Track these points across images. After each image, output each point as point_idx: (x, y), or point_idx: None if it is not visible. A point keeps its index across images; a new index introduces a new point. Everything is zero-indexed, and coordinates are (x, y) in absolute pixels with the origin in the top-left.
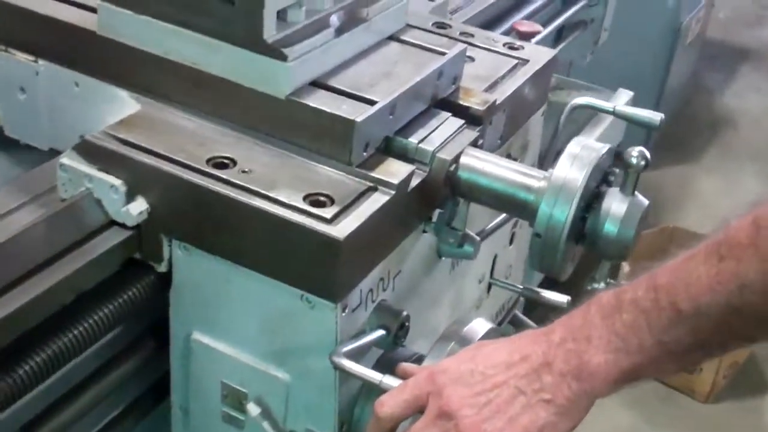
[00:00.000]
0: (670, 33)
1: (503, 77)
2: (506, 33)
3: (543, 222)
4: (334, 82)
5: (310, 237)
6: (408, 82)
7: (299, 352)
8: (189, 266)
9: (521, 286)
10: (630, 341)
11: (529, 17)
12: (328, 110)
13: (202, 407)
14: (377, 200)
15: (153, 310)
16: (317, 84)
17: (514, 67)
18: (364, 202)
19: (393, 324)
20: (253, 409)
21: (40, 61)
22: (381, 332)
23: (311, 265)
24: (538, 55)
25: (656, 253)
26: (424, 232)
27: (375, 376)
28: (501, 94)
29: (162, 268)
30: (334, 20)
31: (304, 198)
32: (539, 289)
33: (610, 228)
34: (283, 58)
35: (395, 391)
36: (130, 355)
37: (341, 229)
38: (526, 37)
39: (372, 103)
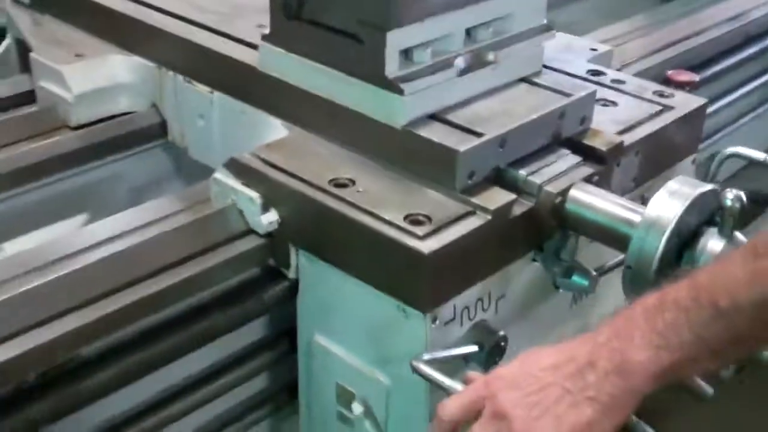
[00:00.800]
0: None
1: (641, 122)
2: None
3: (634, 254)
4: (451, 117)
5: (402, 251)
6: (523, 119)
7: (397, 359)
8: (311, 274)
9: None
10: (671, 338)
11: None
12: (436, 140)
13: (322, 406)
14: (472, 223)
15: (289, 316)
16: (435, 117)
17: (658, 113)
18: (459, 224)
19: (488, 342)
20: (356, 408)
21: (215, 92)
22: (473, 347)
23: (404, 276)
24: (687, 102)
25: None
26: (534, 260)
27: (447, 382)
28: (632, 137)
29: (291, 274)
30: (459, 62)
31: (405, 217)
32: None
33: (702, 264)
34: (400, 92)
35: (456, 396)
36: (266, 355)
37: (429, 245)
38: (681, 86)
39: (481, 135)
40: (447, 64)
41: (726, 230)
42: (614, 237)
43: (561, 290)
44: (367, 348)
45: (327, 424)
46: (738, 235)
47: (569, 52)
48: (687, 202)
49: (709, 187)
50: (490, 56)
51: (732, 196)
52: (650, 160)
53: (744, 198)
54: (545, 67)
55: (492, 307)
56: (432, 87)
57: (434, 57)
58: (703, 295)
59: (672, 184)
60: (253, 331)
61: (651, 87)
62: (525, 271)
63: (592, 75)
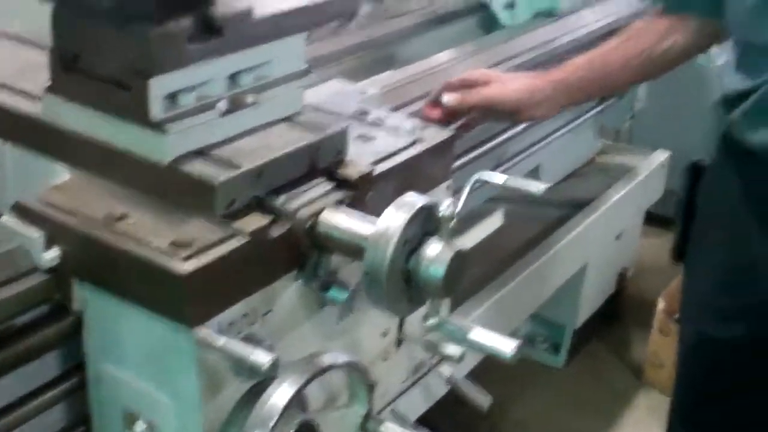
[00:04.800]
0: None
1: (394, 153)
2: None
3: (368, 262)
4: (214, 153)
5: (166, 274)
6: (279, 152)
7: (174, 376)
8: (94, 305)
9: (424, 340)
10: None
11: None
12: (197, 173)
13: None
14: (230, 245)
15: (78, 348)
16: (200, 153)
17: (410, 145)
18: (219, 247)
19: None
20: (139, 426)
21: (7, 144)
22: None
23: (171, 297)
24: (436, 135)
25: None
26: (297, 279)
27: (242, 349)
28: (384, 166)
29: (76, 306)
30: (222, 104)
31: (171, 243)
32: (436, 343)
33: (423, 268)
34: (164, 132)
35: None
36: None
37: (188, 266)
38: (431, 121)
39: (239, 167)
40: (210, 106)
41: (442, 236)
42: (356, 250)
43: (327, 306)
44: (148, 370)
45: None
46: (453, 240)
47: (341, 95)
48: (410, 214)
49: (428, 200)
50: (251, 99)
51: (445, 205)
52: (405, 187)
53: (456, 209)
54: (314, 109)
55: (259, 322)
56: (195, 127)
57: (198, 100)
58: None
59: (399, 200)
60: (45, 366)
61: (406, 124)
62: (290, 289)
63: (358, 114)
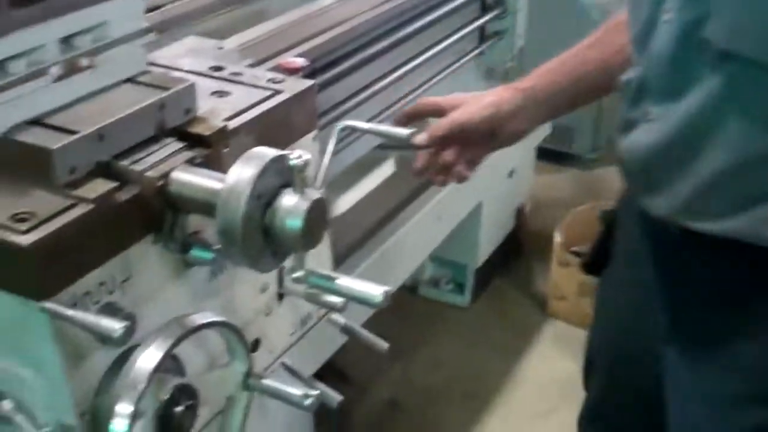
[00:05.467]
0: None
1: (251, 107)
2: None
3: (221, 219)
4: (50, 120)
5: (7, 248)
6: (120, 113)
7: (33, 351)
8: None
9: (305, 291)
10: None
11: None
12: (32, 142)
13: None
14: (74, 213)
15: None
16: (35, 123)
17: (267, 97)
18: (62, 216)
19: None
20: (6, 405)
21: None
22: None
23: (15, 272)
24: (296, 86)
25: (590, 232)
26: (155, 243)
27: (91, 320)
28: (240, 120)
29: None
30: (54, 70)
31: (11, 216)
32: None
33: (279, 221)
34: None
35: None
36: None
37: (30, 238)
38: (292, 72)
39: (76, 133)
40: (42, 72)
41: (297, 187)
42: (210, 208)
43: (194, 267)
44: (6, 346)
45: None
46: (309, 190)
47: (196, 52)
48: (260, 166)
49: (277, 152)
50: (86, 62)
51: (296, 155)
52: (265, 140)
53: (305, 156)
54: (165, 67)
55: (119, 290)
56: (27, 95)
57: (29, 66)
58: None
59: (246, 154)
60: None
61: (266, 76)
62: (150, 253)
63: (213, 71)
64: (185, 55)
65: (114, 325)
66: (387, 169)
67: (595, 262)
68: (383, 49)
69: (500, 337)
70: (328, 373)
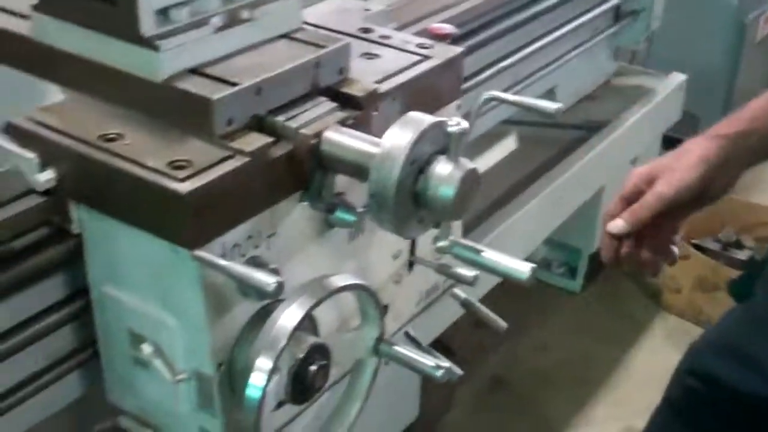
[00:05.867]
0: (735, 30)
1: (400, 71)
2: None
3: (374, 183)
4: (209, 71)
5: (164, 194)
6: (278, 68)
7: (178, 298)
8: (93, 226)
9: (436, 263)
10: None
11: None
12: (194, 91)
13: (119, 354)
14: (230, 165)
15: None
16: (195, 72)
17: (416, 62)
18: (219, 167)
19: None
20: (146, 348)
21: None
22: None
23: (171, 218)
24: (445, 52)
25: (714, 224)
26: (301, 200)
27: (245, 271)
28: (389, 84)
29: (75, 229)
30: (215, 20)
31: (168, 163)
32: (450, 265)
33: (432, 188)
34: (157, 49)
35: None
36: (64, 311)
37: (187, 186)
38: (441, 38)
39: (236, 85)
40: (203, 22)
41: (452, 155)
42: (362, 171)
43: (335, 227)
44: (151, 292)
45: (126, 371)
46: (463, 159)
47: (344, 12)
48: (417, 132)
49: (435, 119)
50: (246, 14)
51: (454, 123)
52: (411, 106)
53: (463, 123)
54: (314, 26)
55: (264, 244)
56: (189, 44)
57: (191, 16)
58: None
59: (404, 118)
60: (50, 288)
61: (414, 41)
62: (295, 210)
63: (362, 32)
64: (333, 15)
65: (268, 279)
66: (509, 144)
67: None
68: (521, 21)
69: (610, 326)
70: (433, 344)
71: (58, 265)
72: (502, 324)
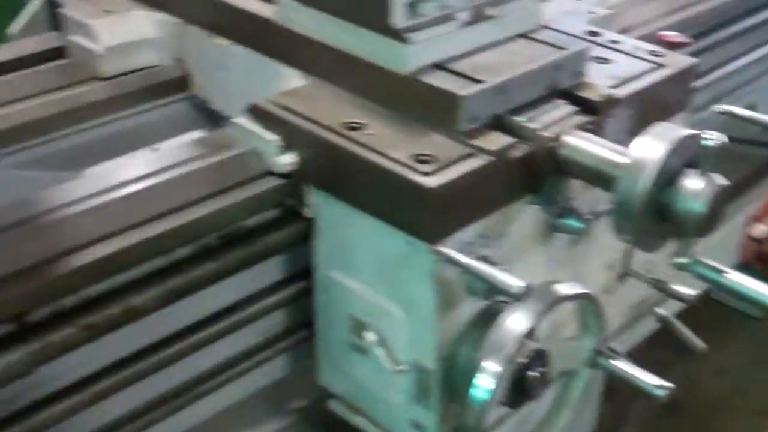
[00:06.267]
0: None
1: (634, 78)
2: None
3: (620, 193)
4: (454, 66)
5: (410, 187)
6: (521, 69)
7: (407, 290)
8: (327, 212)
9: (651, 277)
10: None
11: None
12: (440, 86)
13: (337, 338)
14: (474, 163)
15: (306, 254)
16: (439, 66)
17: (650, 70)
18: (462, 164)
19: None
20: (369, 337)
21: (234, 45)
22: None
23: (412, 211)
24: (678, 62)
25: None
26: (532, 203)
27: (490, 271)
28: (624, 91)
29: (308, 213)
30: (462, 16)
31: (413, 156)
32: (666, 281)
33: (681, 202)
34: (406, 41)
35: None
36: (285, 291)
37: (435, 181)
38: (673, 47)
39: (482, 83)
40: (451, 17)
41: (705, 169)
42: (604, 178)
43: (557, 233)
44: (379, 281)
45: (342, 356)
46: (715, 175)
47: (570, 14)
48: (670, 144)
49: (689, 131)
50: (491, 11)
51: (711, 136)
52: (642, 114)
53: (721, 138)
54: (545, 27)
55: (494, 244)
56: (436, 38)
57: (439, 10)
58: None
59: (656, 128)
60: (273, 268)
61: (645, 47)
62: (525, 213)
63: (590, 35)
64: (559, 16)
65: (515, 281)
66: None
67: None
68: (745, 29)
69: None
70: None
71: (284, 247)
72: (701, 345)
